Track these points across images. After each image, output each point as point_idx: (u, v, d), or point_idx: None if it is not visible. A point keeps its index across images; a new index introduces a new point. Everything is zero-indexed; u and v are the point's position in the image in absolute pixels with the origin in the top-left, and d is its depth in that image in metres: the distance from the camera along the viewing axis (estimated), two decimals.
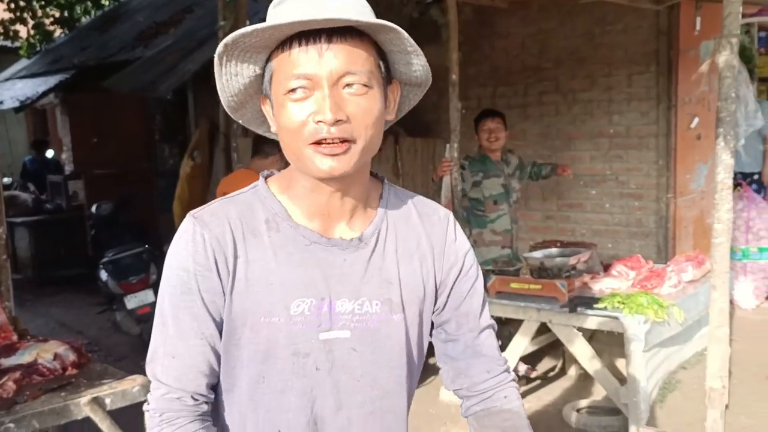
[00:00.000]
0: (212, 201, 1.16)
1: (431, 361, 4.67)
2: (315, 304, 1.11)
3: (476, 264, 1.28)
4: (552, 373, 4.86)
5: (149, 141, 8.99)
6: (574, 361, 4.29)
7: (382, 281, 1.16)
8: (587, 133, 5.69)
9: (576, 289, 3.86)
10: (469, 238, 4.45)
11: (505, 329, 4.32)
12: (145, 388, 2.98)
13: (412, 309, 1.19)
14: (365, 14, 1.08)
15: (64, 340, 3.43)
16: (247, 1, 5.18)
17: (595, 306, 3.65)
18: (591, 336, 4.23)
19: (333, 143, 1.04)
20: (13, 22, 10.02)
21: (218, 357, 1.12)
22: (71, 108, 9.59)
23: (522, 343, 4.02)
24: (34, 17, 10.35)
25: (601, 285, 4.00)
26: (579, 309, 3.66)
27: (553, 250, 4.08)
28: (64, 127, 10.18)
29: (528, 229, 5.87)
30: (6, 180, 11.28)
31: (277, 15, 1.07)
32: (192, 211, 1.13)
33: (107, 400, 2.97)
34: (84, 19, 11.14)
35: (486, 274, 4.21)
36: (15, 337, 3.49)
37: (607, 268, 4.25)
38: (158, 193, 8.90)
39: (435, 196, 4.22)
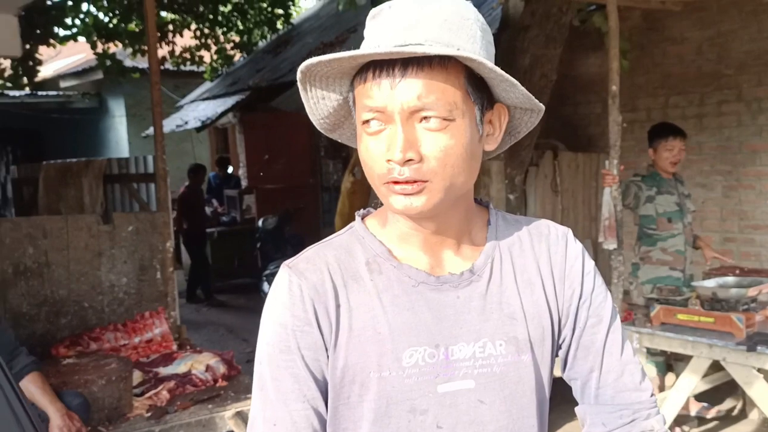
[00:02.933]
0: (308, 247, 1.07)
1: None
2: (430, 352, 0.99)
3: (603, 287, 1.10)
4: (732, 414, 4.37)
5: (315, 157, 9.35)
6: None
7: (505, 317, 1.02)
8: None
9: (756, 324, 3.41)
10: (636, 255, 4.18)
11: (678, 366, 3.94)
12: None
13: (540, 346, 1.04)
14: (461, 30, 0.94)
15: (216, 352, 3.59)
16: None
17: None
18: None
19: (405, 183, 0.94)
20: (198, 48, 10.86)
21: (323, 421, 1.01)
22: (246, 127, 10.23)
23: (692, 381, 3.61)
24: (216, 43, 11.15)
25: None
26: (759, 348, 3.22)
27: (729, 279, 3.64)
28: (240, 144, 10.88)
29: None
30: None
31: (371, 31, 0.98)
32: (287, 261, 1.04)
33: None
34: (261, 43, 11.85)
35: (649, 302, 3.86)
36: (174, 347, 3.70)
37: None
38: (323, 207, 9.24)
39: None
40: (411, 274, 1.01)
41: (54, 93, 12.94)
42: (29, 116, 12.52)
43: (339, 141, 1.14)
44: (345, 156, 8.46)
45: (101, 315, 3.94)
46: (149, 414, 2.94)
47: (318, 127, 1.09)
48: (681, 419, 4.28)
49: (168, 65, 10.79)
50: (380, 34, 0.95)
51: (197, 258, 8.14)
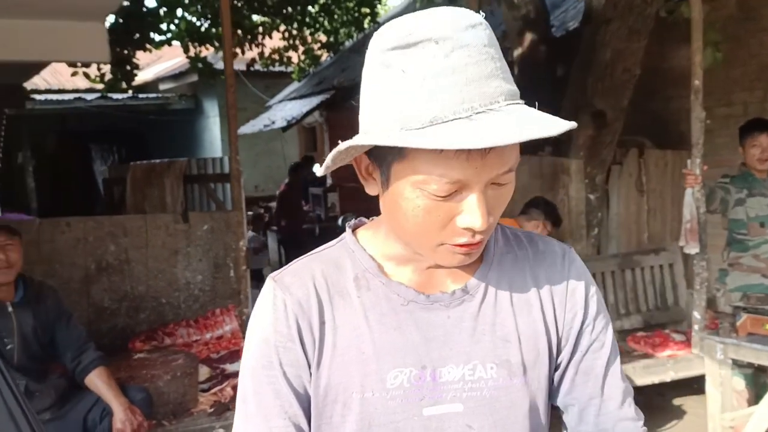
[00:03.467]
0: (296, 259, 1.02)
1: (677, 402, 4.05)
2: (416, 374, 0.94)
3: (604, 311, 1.04)
4: None
5: None
6: None
7: (497, 339, 0.97)
8: None
9: None
10: (724, 261, 3.93)
11: (761, 377, 3.67)
12: None
13: (535, 370, 0.99)
14: (504, 63, 0.87)
15: None
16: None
17: None
18: None
19: (473, 245, 0.90)
20: (286, 49, 11.10)
21: None
22: (331, 125, 10.37)
23: None
24: (304, 44, 11.36)
25: None
26: None
27: None
28: (326, 143, 11.04)
29: None
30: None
31: (415, 77, 0.82)
32: (273, 273, 1.00)
33: None
34: (347, 43, 11.99)
35: (736, 311, 3.61)
36: (243, 344, 3.77)
37: None
38: None
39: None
40: (400, 292, 0.97)
41: (153, 95, 13.58)
42: (132, 118, 13.19)
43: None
44: None
45: (177, 311, 4.09)
46: (212, 410, 3.01)
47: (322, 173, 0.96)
48: None
49: (258, 66, 11.08)
50: (447, 84, 0.81)
51: (294, 257, 8.27)
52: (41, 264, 3.75)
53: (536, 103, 0.87)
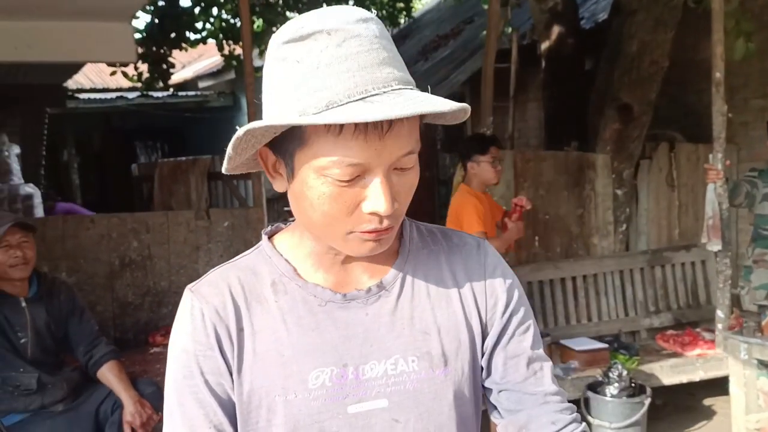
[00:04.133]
0: (213, 268, 1.02)
1: (707, 402, 3.97)
2: (337, 372, 0.95)
3: (523, 296, 1.06)
4: None
5: (431, 150, 9.31)
6: None
7: (417, 332, 0.98)
8: None
9: None
10: (749, 258, 3.81)
11: None
12: None
13: (458, 360, 1.00)
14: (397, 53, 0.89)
15: None
16: (506, 11, 5.03)
17: None
18: None
19: (382, 231, 0.90)
20: None
21: None
22: None
23: None
24: None
25: None
26: None
27: None
28: None
29: None
30: None
31: (306, 68, 0.84)
32: (190, 284, 1.00)
33: None
34: None
35: (761, 310, 3.50)
36: None
37: None
38: (438, 200, 9.19)
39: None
40: (317, 293, 0.98)
41: (192, 93, 13.79)
42: (172, 116, 13.43)
43: (228, 170, 0.97)
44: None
45: None
46: None
47: (226, 170, 0.96)
48: None
49: None
50: (340, 71, 0.82)
51: None
52: (66, 260, 3.86)
53: (429, 88, 0.88)
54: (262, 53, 9.83)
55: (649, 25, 4.58)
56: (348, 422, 0.95)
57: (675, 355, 4.49)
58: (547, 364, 1.06)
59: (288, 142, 0.89)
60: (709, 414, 4.44)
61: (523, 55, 6.83)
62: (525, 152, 5.28)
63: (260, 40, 9.45)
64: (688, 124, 5.69)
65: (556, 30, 5.57)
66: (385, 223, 0.89)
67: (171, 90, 11.67)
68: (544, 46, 5.69)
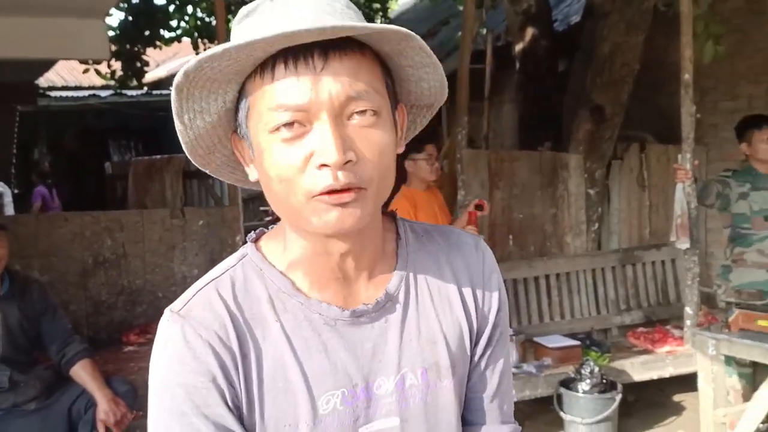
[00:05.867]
0: (190, 289, 0.90)
1: (676, 398, 4.02)
2: (348, 394, 0.89)
3: (506, 302, 1.02)
4: None
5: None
6: None
7: (424, 343, 0.93)
8: None
9: None
10: (728, 258, 3.89)
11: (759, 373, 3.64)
12: None
13: (460, 368, 0.96)
14: (358, 16, 0.85)
15: None
16: (482, 12, 5.08)
17: None
18: None
19: (341, 191, 0.80)
20: None
21: None
22: None
23: None
24: None
25: None
26: None
27: None
28: None
29: None
30: None
31: (246, 31, 0.82)
32: (172, 308, 0.88)
33: None
34: None
35: (728, 307, 3.58)
36: None
37: None
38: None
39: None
40: (322, 311, 0.89)
41: (167, 92, 13.68)
42: (147, 114, 13.31)
43: (208, 171, 0.95)
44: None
45: None
46: None
47: (188, 152, 0.90)
48: None
49: None
50: (268, 26, 0.79)
51: None
52: (38, 258, 3.83)
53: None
54: None
55: (622, 28, 4.66)
56: None
57: (645, 351, 4.57)
58: (510, 377, 1.04)
59: (242, 117, 0.85)
60: (678, 409, 4.53)
61: (498, 56, 6.89)
62: (499, 152, 5.33)
63: None
64: (659, 126, 5.79)
65: (530, 32, 5.64)
66: (342, 178, 0.79)
67: (145, 89, 11.57)
68: (519, 47, 5.76)
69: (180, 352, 0.84)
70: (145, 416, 2.74)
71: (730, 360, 3.69)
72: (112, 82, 9.21)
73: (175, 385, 0.83)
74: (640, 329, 4.88)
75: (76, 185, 12.54)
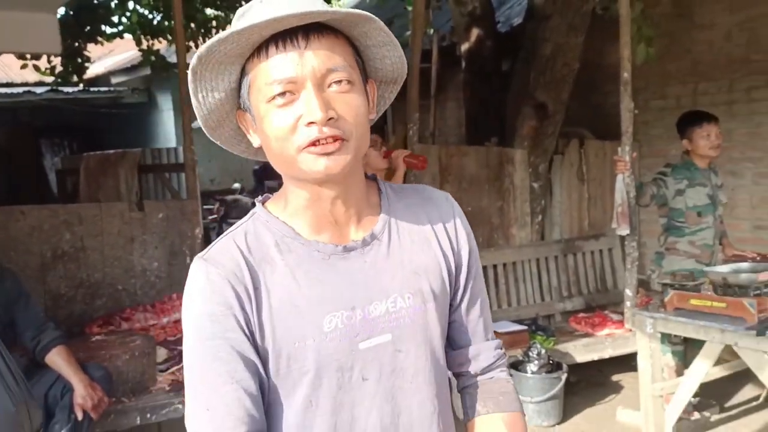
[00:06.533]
0: (216, 240, 1.12)
1: (615, 378, 4.34)
2: (347, 315, 1.08)
3: (474, 241, 1.25)
4: (755, 403, 4.35)
5: None
6: None
7: (409, 273, 1.13)
8: None
9: None
10: (662, 246, 4.16)
11: (690, 351, 3.95)
12: None
13: (442, 296, 1.17)
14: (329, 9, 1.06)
15: None
16: (428, 13, 5.26)
17: None
18: None
19: (326, 142, 1.01)
20: None
21: (256, 401, 1.04)
22: None
23: (703, 368, 3.62)
24: None
25: None
26: None
27: (744, 265, 3.61)
28: None
29: (733, 241, 5.27)
30: (236, 185, 12.57)
31: (243, 24, 1.01)
32: (200, 254, 1.08)
33: None
34: None
35: (664, 288, 3.87)
36: None
37: None
38: None
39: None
40: (319, 248, 1.09)
41: (105, 89, 13.40)
42: (83, 112, 13.01)
43: (219, 143, 1.16)
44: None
45: (134, 297, 4.17)
46: (170, 387, 3.12)
47: (202, 125, 1.10)
48: (702, 406, 4.29)
49: None
50: (261, 16, 0.99)
51: None
52: None
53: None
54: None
55: (563, 30, 4.93)
56: (361, 356, 1.08)
57: (586, 335, 4.86)
58: (487, 301, 1.27)
59: (244, 93, 1.06)
60: (617, 388, 4.83)
61: (443, 56, 7.11)
62: (449, 147, 5.54)
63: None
64: (596, 123, 6.12)
65: (475, 32, 5.85)
66: (326, 131, 1.00)
67: (82, 85, 11.33)
68: (464, 47, 5.97)
69: (202, 287, 1.04)
70: (119, 401, 2.82)
71: (664, 338, 3.99)
72: (47, 79, 9.00)
73: (200, 314, 1.03)
74: (581, 314, 5.17)
75: (8, 183, 12.17)
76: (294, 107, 1.01)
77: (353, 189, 1.11)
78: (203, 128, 1.11)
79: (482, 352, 1.25)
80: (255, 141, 1.10)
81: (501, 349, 1.27)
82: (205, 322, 1.02)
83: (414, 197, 1.21)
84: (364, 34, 1.05)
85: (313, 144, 1.01)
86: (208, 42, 0.98)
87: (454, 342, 1.25)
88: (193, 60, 1.01)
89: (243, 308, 1.03)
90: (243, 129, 1.12)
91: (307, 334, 1.05)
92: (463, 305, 1.22)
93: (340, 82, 1.02)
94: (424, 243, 1.17)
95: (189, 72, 1.03)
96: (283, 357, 1.05)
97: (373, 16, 1.01)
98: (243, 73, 1.06)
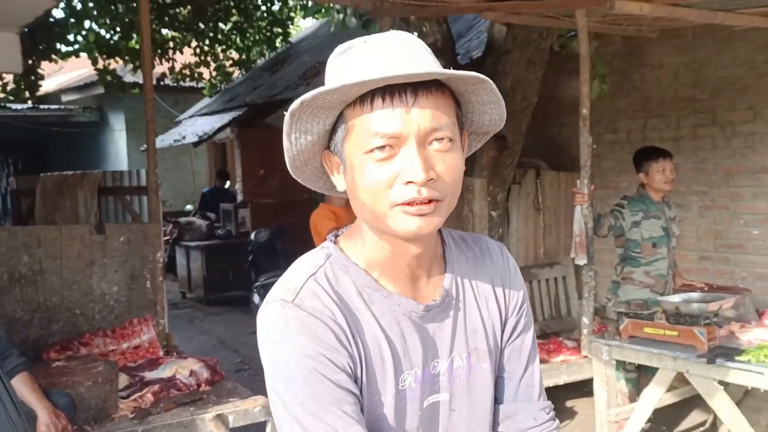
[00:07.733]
0: (292, 282, 1.07)
1: (569, 404, 4.42)
2: (419, 374, 1.09)
3: (527, 295, 1.24)
4: (701, 429, 4.50)
5: None
6: None
7: (469, 331, 1.13)
8: (748, 168, 5.23)
9: (718, 338, 3.55)
10: (618, 275, 4.30)
11: (643, 377, 4.08)
12: (266, 408, 3.17)
13: (495, 354, 1.17)
14: (438, 64, 1.04)
15: (200, 358, 3.74)
16: None
17: (737, 358, 3.33)
18: (747, 391, 3.87)
19: (422, 203, 0.98)
20: (198, 65, 11.11)
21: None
22: (243, 142, 10.43)
23: (657, 394, 3.75)
24: (215, 60, 11.40)
25: (750, 335, 3.63)
26: (719, 360, 3.36)
27: (694, 295, 3.78)
28: (237, 159, 11.08)
29: (681, 270, 5.49)
30: (189, 207, 12.43)
31: (345, 66, 1.01)
32: (284, 298, 1.04)
33: (230, 418, 3.18)
34: (259, 61, 12.09)
35: (619, 316, 4.00)
36: (161, 353, 3.85)
37: (763, 316, 3.87)
38: None
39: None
40: (401, 303, 1.08)
41: (55, 107, 13.15)
42: (32, 129, 12.73)
43: (299, 180, 1.13)
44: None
45: (92, 322, 4.09)
46: (133, 415, 3.08)
47: (289, 164, 1.08)
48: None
49: (168, 81, 11.01)
50: (371, 66, 0.97)
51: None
52: None
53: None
54: (136, 69, 9.68)
55: (522, 65, 5.10)
56: (423, 414, 1.10)
57: (542, 361, 4.91)
58: (538, 361, 1.23)
59: (338, 138, 1.04)
60: (571, 414, 4.94)
61: None
62: None
63: (135, 56, 9.30)
64: (551, 154, 6.32)
65: None
66: (424, 193, 0.97)
67: (30, 102, 11.11)
68: None
69: (303, 330, 1.01)
70: (81, 429, 2.78)
71: (619, 365, 4.12)
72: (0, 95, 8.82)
73: (303, 356, 1.00)
74: (538, 341, 5.27)
75: None
76: (393, 163, 0.99)
77: (431, 243, 1.11)
78: (289, 167, 1.09)
79: (521, 411, 1.19)
80: (340, 185, 1.08)
81: (549, 412, 1.21)
82: (308, 363, 1.00)
83: (473, 249, 1.20)
84: (472, 91, 1.04)
85: (409, 204, 0.99)
86: (316, 91, 0.96)
87: (496, 398, 1.21)
88: (294, 104, 0.98)
89: (347, 349, 1.02)
90: (327, 169, 1.10)
91: (387, 390, 1.06)
92: (510, 361, 1.20)
93: (442, 140, 1.00)
94: (484, 299, 1.17)
95: (287, 114, 1.00)
96: (364, 404, 1.05)
97: (486, 78, 1.00)
98: (341, 117, 1.03)
